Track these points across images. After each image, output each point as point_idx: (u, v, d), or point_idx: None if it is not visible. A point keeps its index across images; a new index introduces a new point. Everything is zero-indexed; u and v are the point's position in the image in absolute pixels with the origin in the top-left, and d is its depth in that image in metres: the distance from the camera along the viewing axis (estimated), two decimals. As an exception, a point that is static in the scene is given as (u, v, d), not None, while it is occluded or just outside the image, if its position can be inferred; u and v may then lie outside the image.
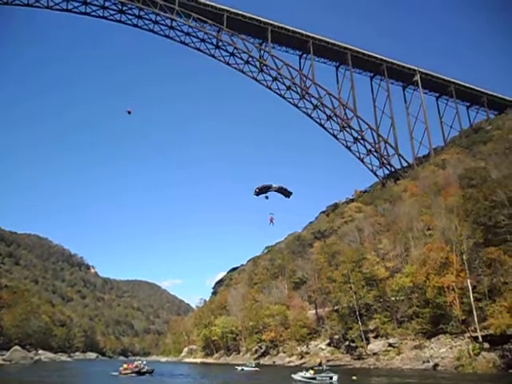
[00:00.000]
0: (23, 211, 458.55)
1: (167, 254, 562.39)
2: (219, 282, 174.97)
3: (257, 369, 56.75)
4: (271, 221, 25.35)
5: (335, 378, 34.06)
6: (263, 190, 24.53)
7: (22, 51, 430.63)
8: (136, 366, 45.83)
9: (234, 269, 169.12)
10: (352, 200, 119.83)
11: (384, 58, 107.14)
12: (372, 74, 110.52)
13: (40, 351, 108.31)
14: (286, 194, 25.09)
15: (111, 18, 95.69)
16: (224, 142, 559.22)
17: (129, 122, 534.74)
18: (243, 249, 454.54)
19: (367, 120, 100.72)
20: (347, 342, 64.17)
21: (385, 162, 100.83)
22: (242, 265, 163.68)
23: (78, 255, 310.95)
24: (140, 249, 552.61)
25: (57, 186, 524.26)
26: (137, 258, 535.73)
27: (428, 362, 43.74)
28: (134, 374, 44.19)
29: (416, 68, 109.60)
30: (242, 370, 57.12)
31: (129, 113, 34.44)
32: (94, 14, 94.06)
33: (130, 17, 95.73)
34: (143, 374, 44.71)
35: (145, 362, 50.37)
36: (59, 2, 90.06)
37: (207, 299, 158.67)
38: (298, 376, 36.51)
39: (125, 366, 47.26)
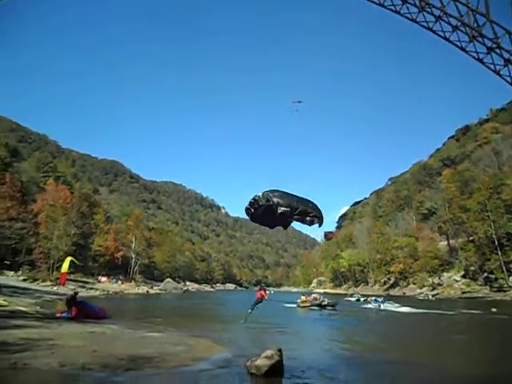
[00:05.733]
0: (158, 161, 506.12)
1: (290, 191, 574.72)
2: (343, 216, 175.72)
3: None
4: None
5: (384, 305, 37.18)
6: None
7: None
8: (315, 299, 40.68)
9: (358, 202, 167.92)
10: (487, 120, 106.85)
11: None
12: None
13: (187, 282, 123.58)
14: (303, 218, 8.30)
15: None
16: (351, 82, 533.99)
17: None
18: (366, 182, 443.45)
19: (504, 24, 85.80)
20: (485, 274, 60.41)
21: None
22: (365, 198, 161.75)
23: (209, 197, 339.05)
24: (263, 186, 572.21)
25: (183, 135, 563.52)
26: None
27: None
28: (315, 308, 38.12)
29: None
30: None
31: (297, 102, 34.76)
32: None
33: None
34: (324, 307, 38.27)
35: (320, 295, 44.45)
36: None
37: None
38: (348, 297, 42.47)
39: (303, 298, 42.41)
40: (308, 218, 7.93)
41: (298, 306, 40.29)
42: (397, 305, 40.79)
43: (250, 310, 17.29)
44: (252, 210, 8.30)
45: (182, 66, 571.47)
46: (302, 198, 8.21)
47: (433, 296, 62.77)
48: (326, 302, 39.00)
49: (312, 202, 8.29)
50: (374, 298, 47.46)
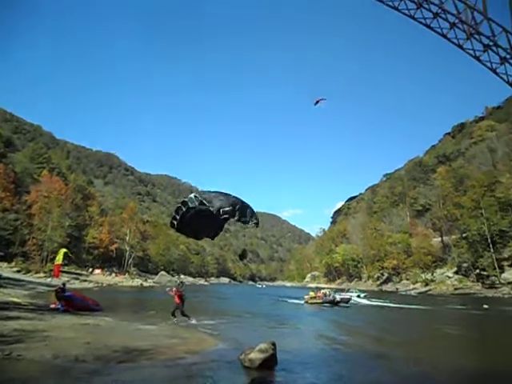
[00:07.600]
0: (153, 154, 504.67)
1: (286, 186, 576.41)
2: (338, 212, 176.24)
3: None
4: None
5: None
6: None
7: None
8: (325, 295, 37.53)
9: (352, 198, 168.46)
10: (482, 118, 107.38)
11: None
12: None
13: (182, 276, 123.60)
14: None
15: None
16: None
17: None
18: (360, 177, 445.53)
19: (501, 22, 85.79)
20: (477, 271, 60.94)
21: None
22: (360, 194, 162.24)
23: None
24: (260, 182, 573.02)
25: (178, 129, 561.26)
26: (257, 190, 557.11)
27: None
28: (327, 304, 35.33)
29: None
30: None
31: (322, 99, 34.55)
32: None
33: None
34: (337, 303, 35.53)
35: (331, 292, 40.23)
36: None
37: (326, 228, 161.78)
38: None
39: (311, 293, 39.42)
40: (246, 218, 7.75)
41: (306, 303, 37.64)
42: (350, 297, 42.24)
43: (174, 318, 17.20)
44: (178, 218, 7.84)
45: (183, 61, 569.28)
46: (236, 197, 7.86)
47: (423, 292, 63.41)
48: (338, 298, 36.41)
49: (244, 202, 8.04)
50: (334, 291, 46.87)
